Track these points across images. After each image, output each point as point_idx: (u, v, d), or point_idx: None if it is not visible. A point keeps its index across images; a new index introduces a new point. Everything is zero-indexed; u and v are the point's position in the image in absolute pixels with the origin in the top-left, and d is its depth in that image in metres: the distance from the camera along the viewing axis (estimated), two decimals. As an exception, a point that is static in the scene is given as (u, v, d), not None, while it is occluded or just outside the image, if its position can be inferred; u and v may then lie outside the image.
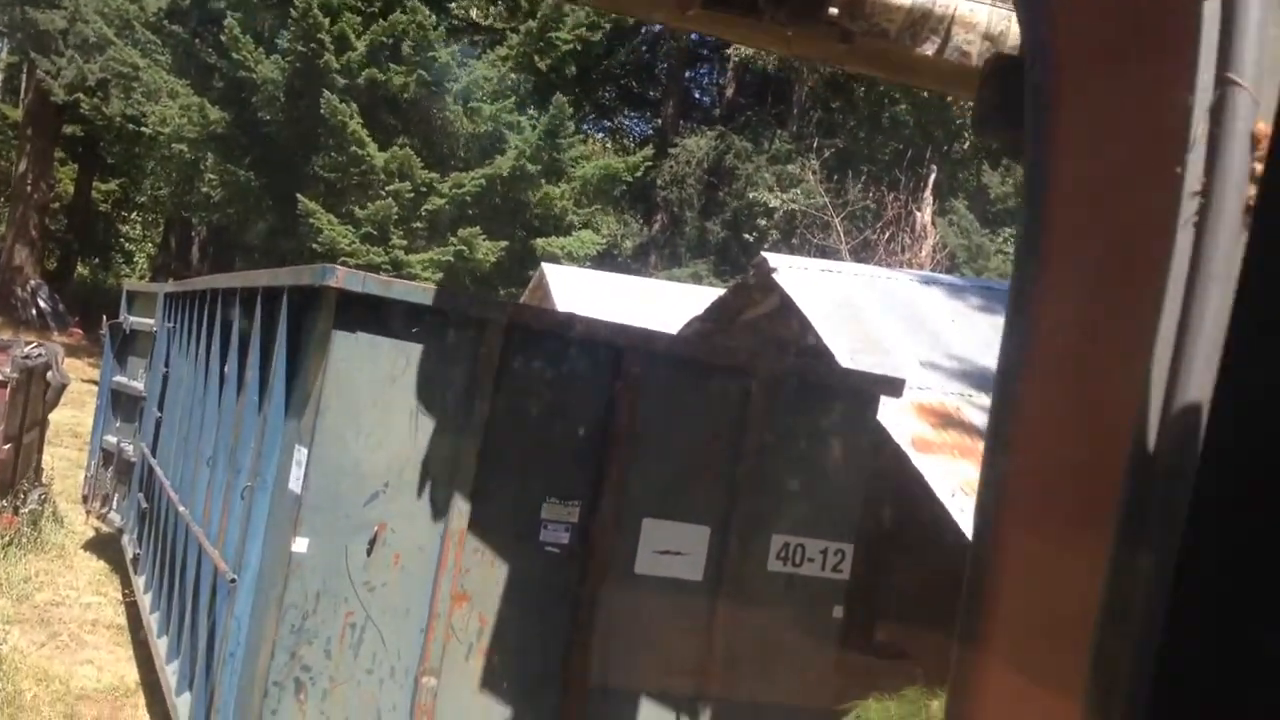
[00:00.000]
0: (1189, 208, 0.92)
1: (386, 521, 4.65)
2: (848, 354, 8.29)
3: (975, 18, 2.94)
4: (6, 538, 9.40)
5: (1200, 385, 0.91)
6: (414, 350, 4.66)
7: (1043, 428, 1.05)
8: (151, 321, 9.77)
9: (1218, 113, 0.93)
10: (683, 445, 5.12)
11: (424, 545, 4.73)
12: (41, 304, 28.64)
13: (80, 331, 28.05)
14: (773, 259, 9.71)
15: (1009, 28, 2.86)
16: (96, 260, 43.68)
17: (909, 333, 8.81)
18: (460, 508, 4.73)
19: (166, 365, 8.75)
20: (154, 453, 8.67)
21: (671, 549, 5.04)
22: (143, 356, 10.11)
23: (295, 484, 4.66)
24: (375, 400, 4.61)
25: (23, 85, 34.06)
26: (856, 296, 9.51)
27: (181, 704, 5.91)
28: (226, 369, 6.06)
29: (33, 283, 28.87)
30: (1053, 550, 1.02)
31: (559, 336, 4.85)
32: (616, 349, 4.95)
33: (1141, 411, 0.92)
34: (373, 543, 4.64)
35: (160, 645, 6.85)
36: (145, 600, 7.86)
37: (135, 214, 47.18)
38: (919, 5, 2.92)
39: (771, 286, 10.01)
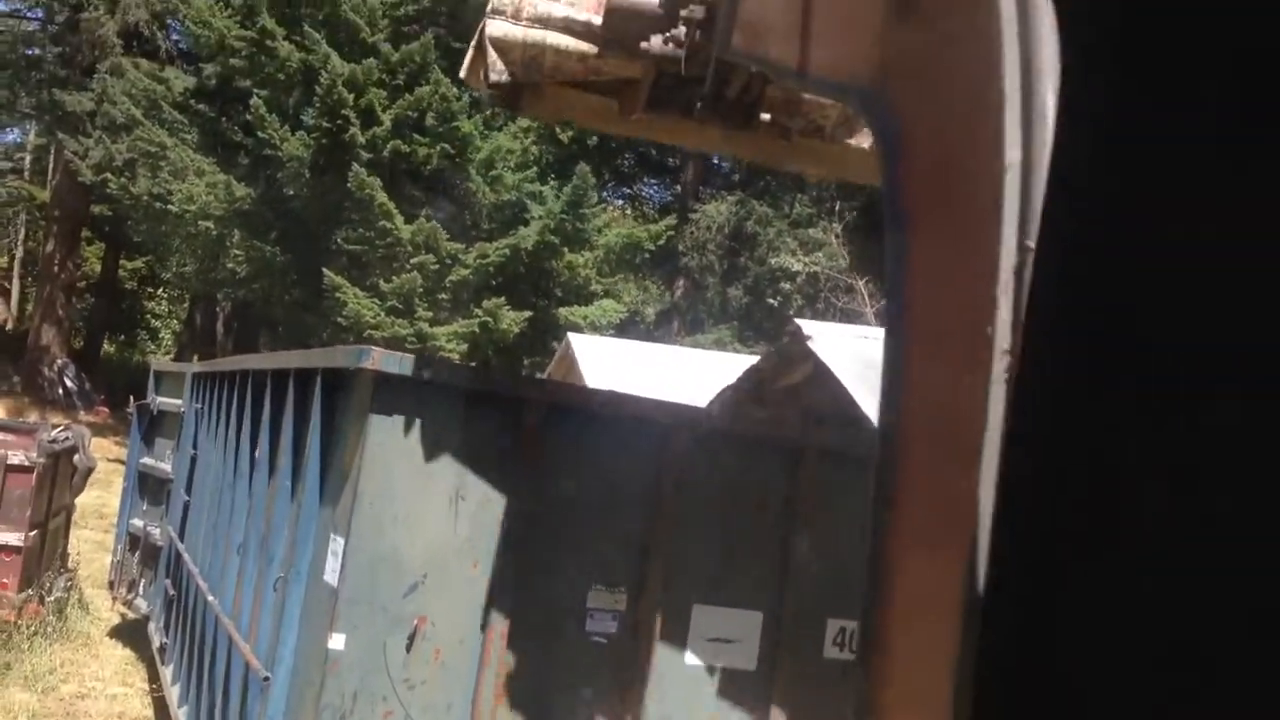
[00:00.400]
0: (1000, 365, 0.97)
1: (426, 615, 4.44)
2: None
3: None
4: (32, 628, 9.20)
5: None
6: (452, 433, 4.48)
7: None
8: (179, 402, 9.64)
9: (1020, 274, 0.99)
10: (732, 526, 4.89)
11: (465, 639, 4.51)
12: (68, 383, 28.70)
13: (106, 410, 28.06)
14: (806, 326, 9.52)
15: None
16: (122, 338, 44.01)
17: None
18: (502, 598, 4.51)
19: (195, 447, 8.60)
20: (181, 538, 8.49)
21: (723, 636, 4.80)
22: (170, 438, 9.97)
23: (331, 576, 4.46)
24: (413, 486, 4.42)
25: (50, 166, 34.47)
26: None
27: (212, 805, 5.67)
28: (257, 453, 5.89)
29: (59, 362, 28.96)
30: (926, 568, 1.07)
31: (601, 415, 4.66)
32: (661, 426, 4.75)
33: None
34: (412, 638, 4.43)
35: (190, 741, 6.62)
36: (173, 694, 7.63)
37: (161, 290, 47.60)
38: None
39: (805, 354, 9.81)
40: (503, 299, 22.48)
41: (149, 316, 46.87)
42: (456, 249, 22.37)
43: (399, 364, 4.35)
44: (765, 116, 2.98)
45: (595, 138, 26.80)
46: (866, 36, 1.23)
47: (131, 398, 11.10)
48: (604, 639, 4.72)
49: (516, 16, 3.07)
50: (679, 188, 36.77)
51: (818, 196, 32.73)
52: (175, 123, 24.95)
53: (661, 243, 26.90)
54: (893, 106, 1.17)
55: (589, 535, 4.71)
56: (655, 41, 2.80)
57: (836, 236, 26.20)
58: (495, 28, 3.06)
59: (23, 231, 41.46)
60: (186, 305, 44.54)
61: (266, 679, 4.79)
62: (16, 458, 9.06)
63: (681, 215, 31.74)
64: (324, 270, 22.15)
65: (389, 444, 4.37)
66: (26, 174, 38.41)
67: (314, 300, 23.29)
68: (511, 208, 24.26)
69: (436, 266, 21.97)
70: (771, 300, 30.24)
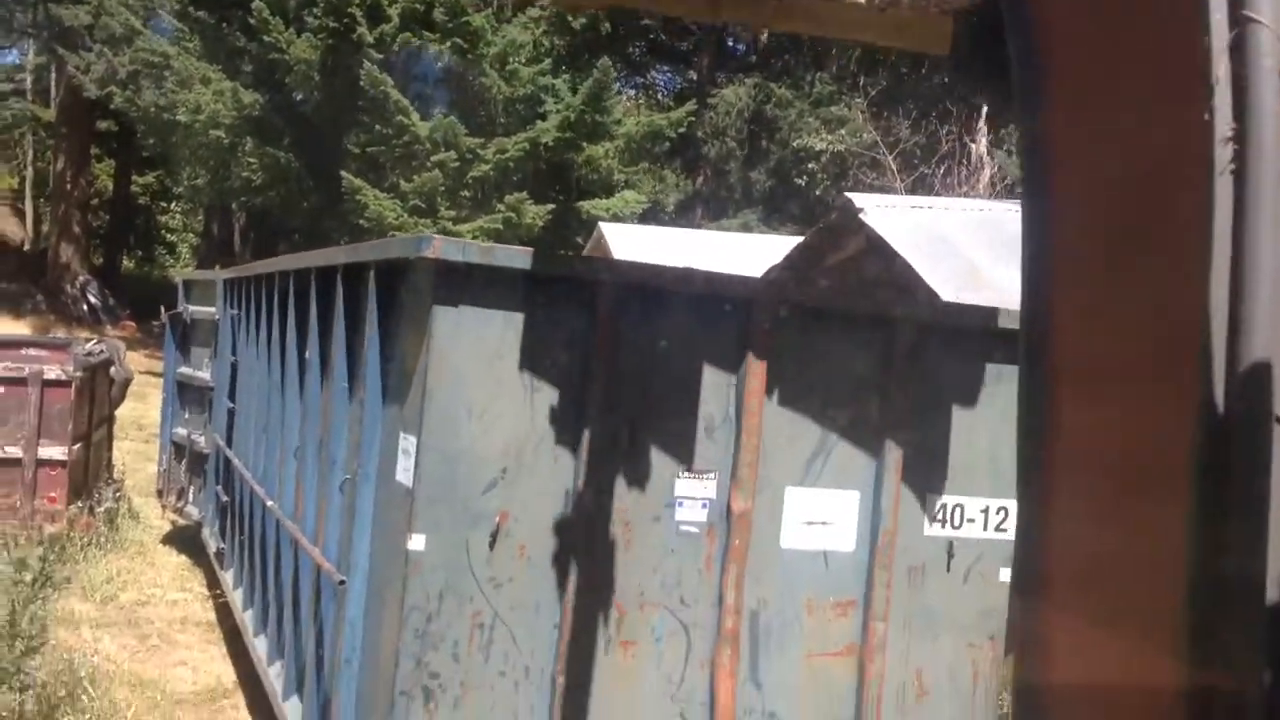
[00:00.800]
0: (1223, 155, 0.84)
1: (508, 510, 4.21)
2: (952, 292, 7.76)
3: None
4: (85, 539, 9.12)
5: (1265, 339, 0.89)
6: (522, 320, 4.21)
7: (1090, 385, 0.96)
8: (212, 310, 9.41)
9: (1238, 52, 0.86)
10: (823, 403, 4.63)
11: (550, 533, 4.29)
12: (91, 299, 28.56)
13: (133, 324, 27.93)
14: (858, 199, 9.17)
15: None
16: (140, 253, 43.76)
17: (1012, 265, 8.24)
18: (586, 490, 4.28)
19: (234, 354, 8.38)
20: (229, 444, 8.32)
21: (819, 519, 4.57)
22: (206, 346, 9.77)
23: (404, 476, 4.23)
24: (485, 378, 4.16)
25: (53, 84, 33.87)
26: (950, 231, 8.94)
27: (291, 710, 5.55)
28: (308, 355, 5.64)
29: (81, 278, 28.79)
30: (1112, 501, 0.94)
31: (678, 294, 4.37)
32: (744, 303, 4.46)
33: (1205, 368, 0.87)
34: (495, 535, 4.21)
35: (259, 645, 6.50)
36: (235, 597, 7.53)
37: (175, 205, 47.20)
38: None
39: (856, 228, 9.47)
40: (525, 194, 22.05)
41: (164, 231, 46.53)
42: (475, 144, 21.88)
43: (461, 251, 4.06)
44: None
45: (607, 26, 26.03)
46: None
47: (163, 308, 10.87)
48: (694, 528, 4.50)
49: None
50: (693, 75, 35.91)
51: (838, 73, 31.92)
52: (176, 31, 24.33)
53: (683, 130, 26.27)
54: None
55: (672, 421, 4.45)
56: None
57: (862, 112, 25.43)
58: None
59: (31, 152, 40.94)
60: (202, 218, 44.20)
61: (342, 583, 4.61)
62: (53, 373, 8.88)
63: (699, 102, 30.96)
64: (341, 173, 21.72)
65: (456, 336, 4.10)
66: (29, 95, 37.76)
67: (332, 205, 22.91)
68: (527, 102, 23.67)
69: (457, 163, 21.52)
70: (798, 181, 29.65)
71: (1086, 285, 0.96)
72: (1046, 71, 1.00)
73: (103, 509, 9.39)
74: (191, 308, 10.14)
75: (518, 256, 4.18)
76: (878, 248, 9.18)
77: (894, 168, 24.78)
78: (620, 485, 4.38)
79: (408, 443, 4.23)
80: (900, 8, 3.10)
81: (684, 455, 4.49)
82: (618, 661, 4.41)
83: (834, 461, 4.65)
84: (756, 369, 4.50)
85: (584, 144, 23.45)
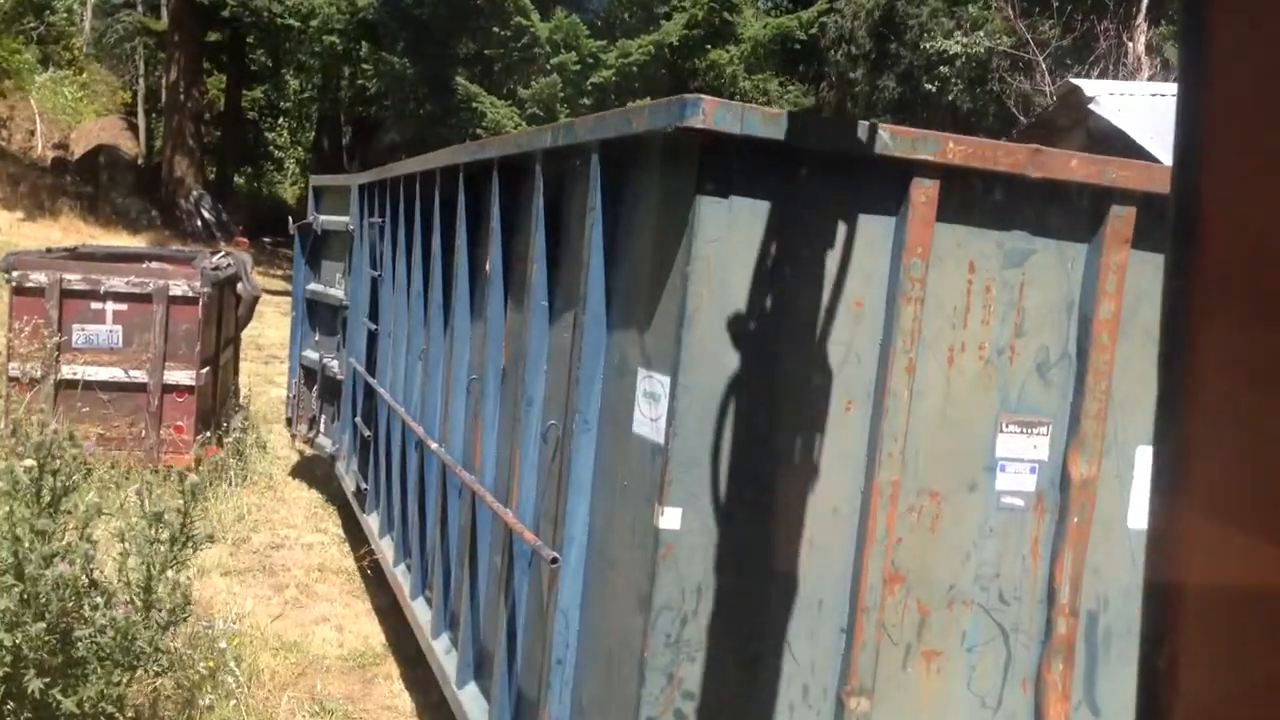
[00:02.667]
0: None
1: (789, 476, 3.13)
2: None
3: None
4: (214, 474, 8.33)
5: None
6: (817, 218, 3.09)
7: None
8: (346, 219, 8.44)
9: None
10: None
11: (839, 506, 3.21)
12: (205, 214, 28.13)
13: (246, 240, 27.43)
14: (1087, 86, 7.80)
15: None
16: (249, 169, 43.53)
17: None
18: (890, 446, 3.17)
19: (376, 268, 7.40)
20: (371, 371, 7.39)
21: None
22: (339, 260, 8.81)
23: (648, 428, 3.17)
24: (761, 298, 3.05)
25: (163, -5, 33.28)
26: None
27: (469, 701, 4.60)
28: (488, 267, 4.58)
29: (195, 193, 28.35)
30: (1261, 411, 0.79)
31: (1020, 181, 3.19)
32: (1103, 196, 3.27)
33: None
34: (770, 508, 3.14)
35: (419, 612, 5.58)
36: (384, 547, 6.63)
37: (281, 120, 46.95)
38: None
39: (1078, 120, 8.12)
40: (648, 100, 20.77)
41: (272, 148, 46.28)
42: (597, 47, 20.65)
43: (739, 119, 2.92)
44: None
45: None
46: None
47: (290, 219, 9.94)
48: (1020, 499, 3.38)
49: None
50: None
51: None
52: (289, -69, 23.33)
53: (813, 31, 24.67)
54: None
55: (999, 361, 3.31)
56: None
57: (999, 11, 23.45)
58: None
59: (143, 66, 40.62)
60: (310, 132, 43.80)
61: (555, 562, 3.58)
62: (179, 288, 8.02)
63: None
64: (457, 79, 20.71)
65: (728, 240, 2.99)
66: (140, 7, 37.33)
67: (446, 114, 21.96)
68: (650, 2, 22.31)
69: (578, 66, 20.34)
70: (929, 87, 27.80)
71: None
72: None
73: (231, 439, 8.58)
74: (322, 217, 9.17)
75: (816, 129, 3.04)
76: (1106, 142, 7.83)
77: (1044, 68, 22.90)
78: (924, 441, 3.26)
79: (653, 383, 3.16)
80: None
81: (1007, 401, 3.35)
82: (918, 678, 3.34)
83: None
84: (1110, 289, 3.32)
85: (710, 46, 22.07)
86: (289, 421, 9.75)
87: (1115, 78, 21.89)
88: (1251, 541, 0.82)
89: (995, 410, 3.34)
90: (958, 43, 26.97)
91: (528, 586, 4.03)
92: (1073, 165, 3.22)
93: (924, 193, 3.11)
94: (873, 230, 3.14)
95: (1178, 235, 0.81)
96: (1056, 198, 3.26)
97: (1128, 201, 3.27)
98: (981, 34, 26.51)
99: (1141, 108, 7.72)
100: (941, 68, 27.80)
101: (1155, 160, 7.34)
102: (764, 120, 2.96)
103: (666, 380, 3.07)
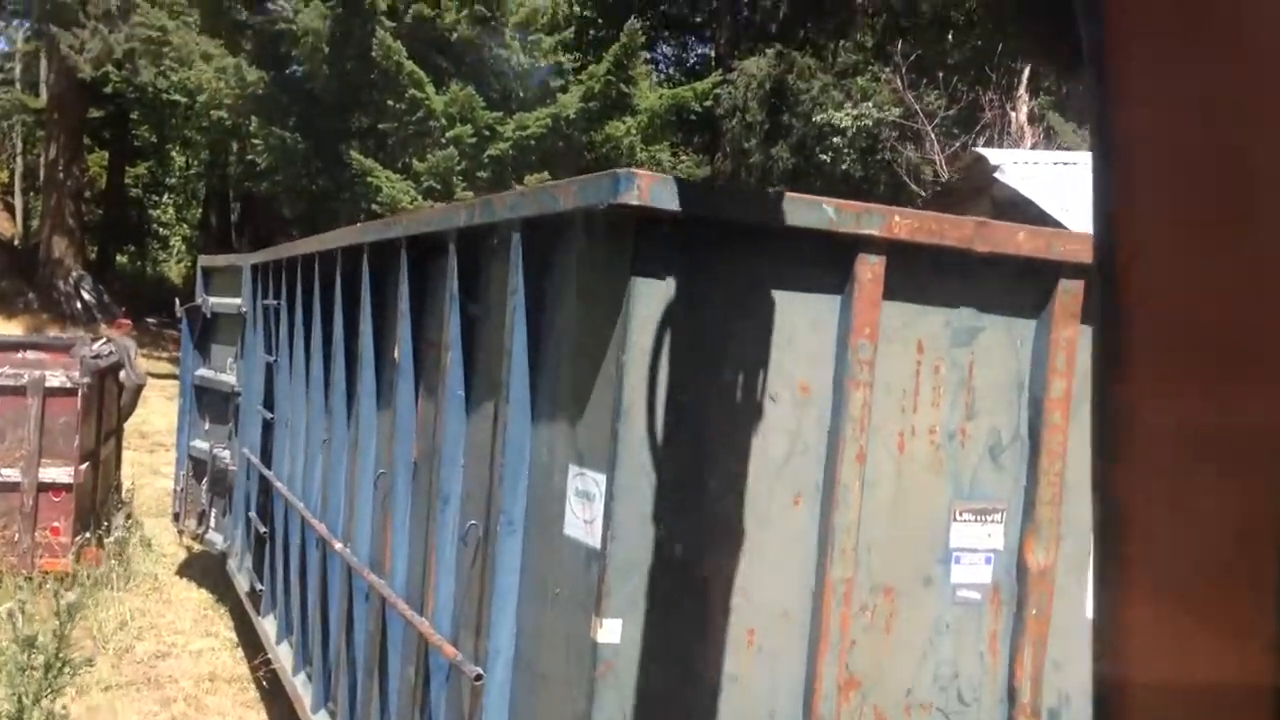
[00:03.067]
0: None
1: (737, 581, 2.89)
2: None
3: None
4: (94, 576, 7.77)
5: None
6: (755, 298, 2.88)
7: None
8: (238, 301, 8.04)
9: None
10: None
11: (790, 608, 2.97)
12: (86, 295, 27.10)
13: (129, 322, 26.41)
14: (992, 155, 7.83)
15: None
16: (132, 248, 42.35)
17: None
18: (842, 542, 2.95)
19: (272, 352, 7.02)
20: (268, 463, 6.97)
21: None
22: (230, 344, 8.38)
23: (582, 530, 2.90)
24: (700, 385, 2.82)
25: (44, 68, 32.30)
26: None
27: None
28: (398, 352, 4.28)
29: (75, 274, 27.32)
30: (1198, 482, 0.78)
31: (967, 256, 3.02)
32: (1050, 270, 3.12)
33: None
34: (717, 614, 2.88)
35: (323, 725, 5.16)
36: (283, 656, 6.18)
37: (166, 197, 45.93)
38: None
39: (983, 187, 8.16)
40: (545, 173, 20.71)
41: (156, 225, 45.17)
42: (494, 119, 20.50)
43: (672, 195, 2.71)
44: None
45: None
46: None
47: (177, 301, 9.47)
48: (976, 592, 3.18)
49: None
50: (709, 48, 34.45)
51: (861, 42, 30.55)
52: (174, 4, 22.81)
53: (707, 103, 24.93)
54: None
55: (951, 445, 3.12)
56: None
57: (901, 79, 23.99)
58: None
59: (20, 144, 39.40)
60: (197, 209, 42.89)
61: (480, 678, 3.26)
62: (56, 379, 7.51)
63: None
64: (352, 154, 20.36)
65: (665, 324, 2.76)
66: (18, 84, 36.24)
67: (339, 189, 21.56)
68: (547, 74, 22.31)
69: (474, 139, 20.15)
70: (822, 158, 28.22)
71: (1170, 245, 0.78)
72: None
73: (113, 539, 8.03)
74: (212, 299, 8.74)
75: (756, 202, 2.84)
76: (1012, 211, 7.86)
77: (934, 137, 23.40)
78: (877, 534, 3.05)
79: (587, 481, 2.89)
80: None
81: (960, 488, 3.16)
82: (881, 789, 3.09)
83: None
84: (1060, 366, 3.16)
85: (606, 118, 22.11)
86: (176, 516, 9.20)
87: (1000, 146, 22.47)
88: (1197, 627, 0.81)
89: (948, 498, 3.14)
90: (848, 114, 27.49)
91: (446, 703, 3.69)
92: (1019, 239, 3.07)
93: (870, 269, 2.92)
94: (817, 309, 2.94)
95: (1102, 307, 0.80)
96: (1003, 272, 3.11)
97: (1076, 275, 3.13)
98: (870, 105, 27.06)
99: (1046, 176, 7.77)
100: (833, 138, 28.27)
101: (1061, 226, 7.38)
102: (703, 195, 2.75)
103: (602, 478, 2.81)
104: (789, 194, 2.88)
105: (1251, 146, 0.74)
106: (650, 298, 2.75)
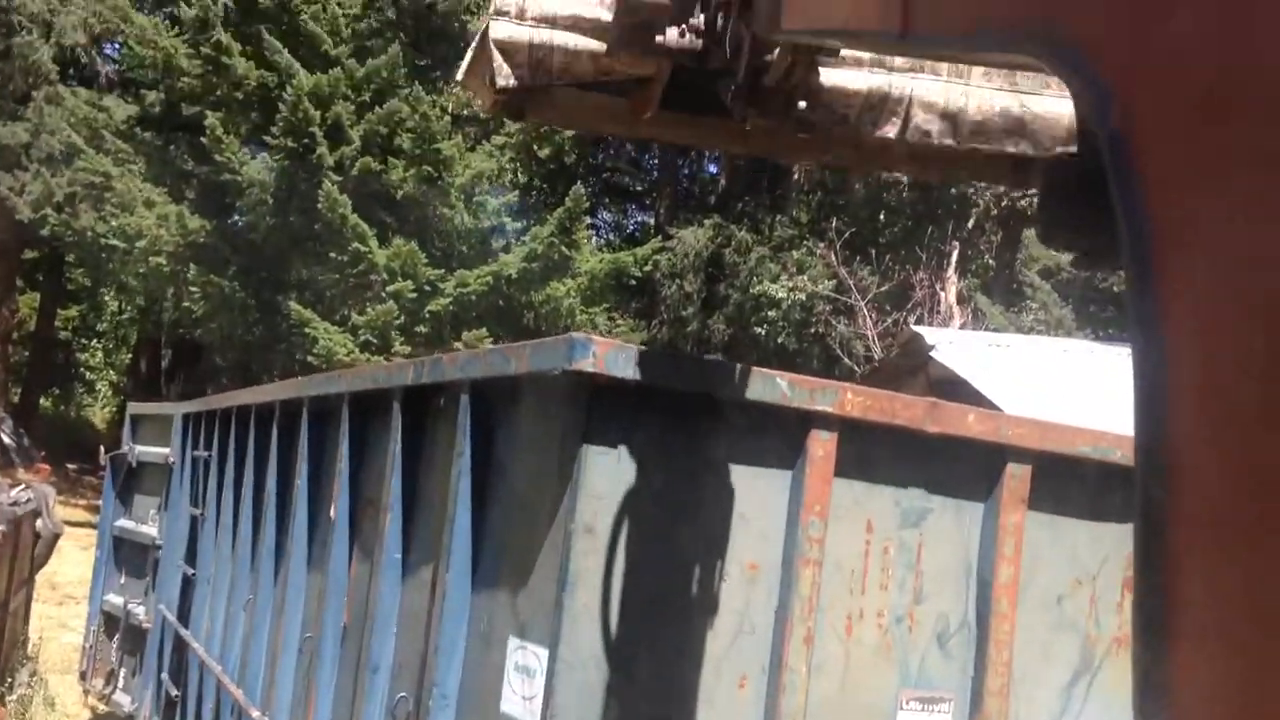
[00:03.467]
0: None
1: (682, 765, 2.77)
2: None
3: (931, 97, 2.72)
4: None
5: None
6: (708, 470, 2.85)
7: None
8: (165, 451, 7.84)
9: None
10: (1090, 602, 3.29)
11: (735, 800, 2.85)
12: (5, 438, 26.32)
13: (48, 467, 25.63)
14: (928, 334, 8.01)
15: (965, 103, 2.71)
16: (56, 391, 41.56)
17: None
18: (790, 728, 2.85)
19: (198, 505, 6.81)
20: (185, 622, 6.69)
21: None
22: (154, 495, 8.14)
23: (520, 707, 2.78)
24: (648, 557, 2.77)
25: (-21, 208, 32.15)
26: (1039, 371, 7.79)
27: None
28: (332, 512, 4.17)
29: (-5, 415, 26.62)
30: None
31: (918, 436, 3.03)
32: (996, 452, 3.13)
33: None
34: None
35: None
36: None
37: (96, 341, 45.39)
38: (875, 88, 2.71)
39: (919, 367, 8.31)
40: (484, 330, 20.83)
41: (84, 368, 44.52)
42: (435, 276, 20.67)
43: (627, 363, 2.70)
44: (802, 105, 2.52)
45: (575, 155, 25.19)
46: None
47: (102, 448, 9.23)
48: (928, 784, 3.08)
49: (521, 16, 2.71)
50: (649, 216, 35.27)
51: (797, 218, 31.45)
52: (119, 152, 22.97)
53: (646, 269, 25.40)
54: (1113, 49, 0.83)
55: (899, 630, 3.07)
56: (671, 34, 2.48)
57: (835, 255, 24.66)
58: (499, 29, 2.71)
59: (-52, 281, 38.87)
60: (127, 354, 42.39)
61: None
62: (-33, 526, 7.21)
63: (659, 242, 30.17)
64: (291, 304, 20.34)
65: (614, 494, 2.72)
66: (-49, 221, 35.98)
67: (277, 339, 21.46)
68: (489, 233, 22.66)
69: (415, 295, 20.25)
70: (757, 329, 28.73)
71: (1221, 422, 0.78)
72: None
73: (15, 697, 7.60)
74: (139, 448, 8.52)
75: (712, 374, 2.84)
76: (949, 389, 8.00)
77: (866, 313, 23.95)
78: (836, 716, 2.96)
79: (528, 655, 2.79)
80: (931, 139, 2.73)
81: (908, 675, 3.10)
82: None
83: (1099, 685, 3.29)
84: (1008, 552, 3.15)
85: (547, 279, 22.40)
86: (83, 675, 8.75)
87: (930, 323, 23.05)
88: None
89: (895, 686, 3.07)
90: (783, 286, 28.08)
91: None
92: (969, 421, 3.10)
93: (822, 446, 2.91)
94: (769, 485, 2.91)
95: (1147, 479, 0.79)
96: (952, 454, 3.11)
97: (1023, 460, 3.14)
98: (805, 278, 27.70)
99: (980, 356, 7.94)
100: (769, 310, 28.81)
101: (995, 406, 7.51)
102: (659, 364, 2.74)
103: (544, 653, 2.71)
104: (742, 366, 2.88)
105: None
106: (601, 466, 2.71)
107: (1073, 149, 2.19)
